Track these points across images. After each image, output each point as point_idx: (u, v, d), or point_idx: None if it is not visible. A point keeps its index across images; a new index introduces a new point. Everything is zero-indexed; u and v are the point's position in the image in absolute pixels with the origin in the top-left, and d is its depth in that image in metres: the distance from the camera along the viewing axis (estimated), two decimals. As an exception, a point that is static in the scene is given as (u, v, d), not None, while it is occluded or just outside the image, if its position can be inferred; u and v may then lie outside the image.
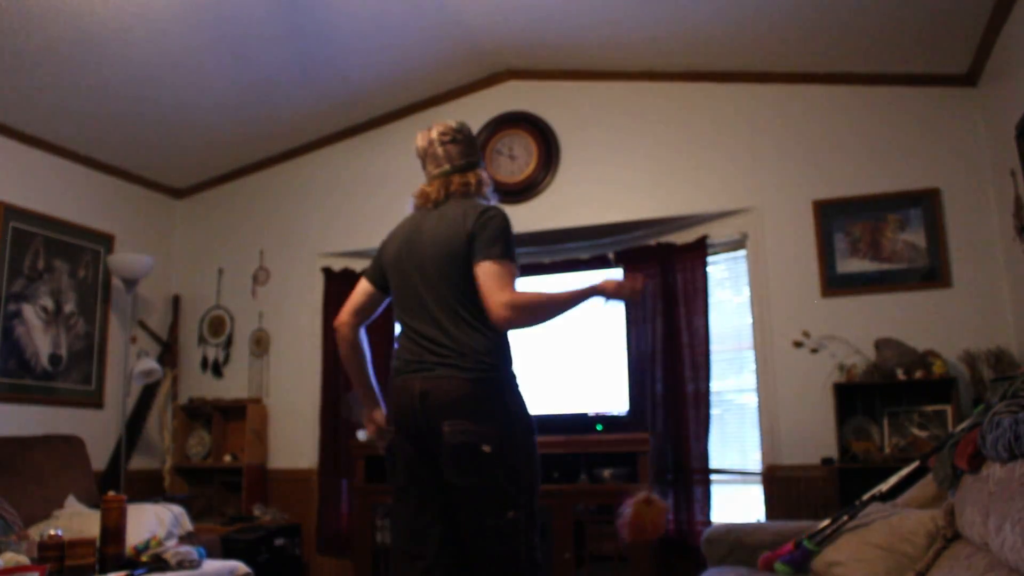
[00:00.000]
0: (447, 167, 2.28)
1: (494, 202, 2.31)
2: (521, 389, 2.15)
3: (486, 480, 2.03)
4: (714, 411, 3.97)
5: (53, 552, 2.70)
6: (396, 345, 2.24)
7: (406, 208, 2.35)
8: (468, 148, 2.32)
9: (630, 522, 2.62)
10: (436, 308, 2.13)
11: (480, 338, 2.08)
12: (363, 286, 2.37)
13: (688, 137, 4.16)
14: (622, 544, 2.67)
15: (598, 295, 2.15)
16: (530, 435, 2.11)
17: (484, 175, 2.32)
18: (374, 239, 4.70)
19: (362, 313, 2.36)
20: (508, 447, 2.04)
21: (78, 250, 4.49)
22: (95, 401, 4.51)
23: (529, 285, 2.28)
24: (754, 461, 3.90)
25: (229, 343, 4.93)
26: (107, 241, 4.66)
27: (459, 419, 2.02)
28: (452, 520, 2.11)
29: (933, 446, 2.52)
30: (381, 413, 2.36)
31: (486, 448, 2.01)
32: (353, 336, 2.36)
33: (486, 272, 2.05)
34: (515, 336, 2.18)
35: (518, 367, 2.17)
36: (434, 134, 2.31)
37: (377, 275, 2.35)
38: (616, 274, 2.31)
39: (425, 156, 2.33)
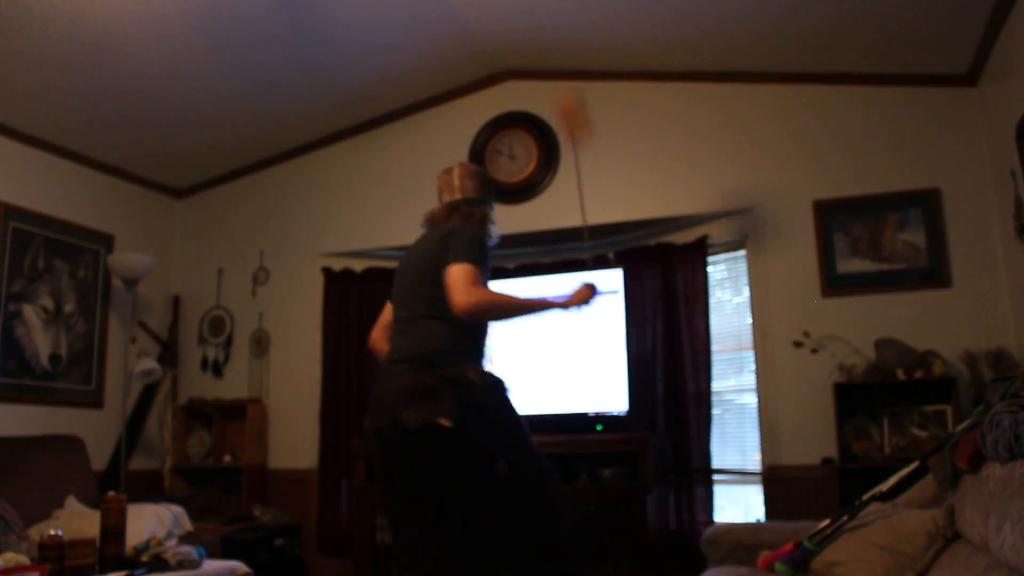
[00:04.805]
0: (459, 197, 2.54)
1: (494, 240, 2.53)
2: (488, 370, 2.33)
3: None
4: (714, 411, 3.97)
5: (53, 552, 2.69)
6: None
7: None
8: (482, 187, 2.58)
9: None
10: (410, 306, 2.38)
11: (441, 331, 2.29)
12: (387, 304, 2.62)
13: (688, 137, 4.16)
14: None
15: (555, 308, 2.41)
16: (496, 393, 2.27)
17: (491, 214, 2.57)
18: (374, 239, 4.77)
19: (388, 328, 2.58)
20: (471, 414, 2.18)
21: (78, 250, 4.48)
22: (95, 401, 4.51)
23: (498, 287, 2.53)
24: (754, 461, 3.90)
25: (229, 343, 4.93)
26: (107, 241, 4.66)
27: (415, 405, 2.19)
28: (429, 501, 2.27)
29: (933, 446, 2.51)
30: None
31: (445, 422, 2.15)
32: (384, 347, 2.59)
33: (451, 273, 2.26)
34: (493, 331, 2.46)
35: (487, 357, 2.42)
36: (456, 170, 2.58)
37: (392, 291, 2.57)
38: (574, 284, 2.50)
39: (443, 187, 2.59)
